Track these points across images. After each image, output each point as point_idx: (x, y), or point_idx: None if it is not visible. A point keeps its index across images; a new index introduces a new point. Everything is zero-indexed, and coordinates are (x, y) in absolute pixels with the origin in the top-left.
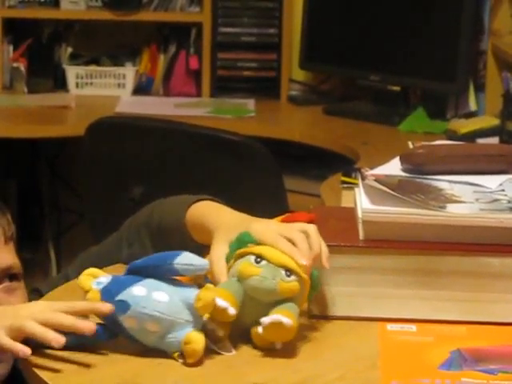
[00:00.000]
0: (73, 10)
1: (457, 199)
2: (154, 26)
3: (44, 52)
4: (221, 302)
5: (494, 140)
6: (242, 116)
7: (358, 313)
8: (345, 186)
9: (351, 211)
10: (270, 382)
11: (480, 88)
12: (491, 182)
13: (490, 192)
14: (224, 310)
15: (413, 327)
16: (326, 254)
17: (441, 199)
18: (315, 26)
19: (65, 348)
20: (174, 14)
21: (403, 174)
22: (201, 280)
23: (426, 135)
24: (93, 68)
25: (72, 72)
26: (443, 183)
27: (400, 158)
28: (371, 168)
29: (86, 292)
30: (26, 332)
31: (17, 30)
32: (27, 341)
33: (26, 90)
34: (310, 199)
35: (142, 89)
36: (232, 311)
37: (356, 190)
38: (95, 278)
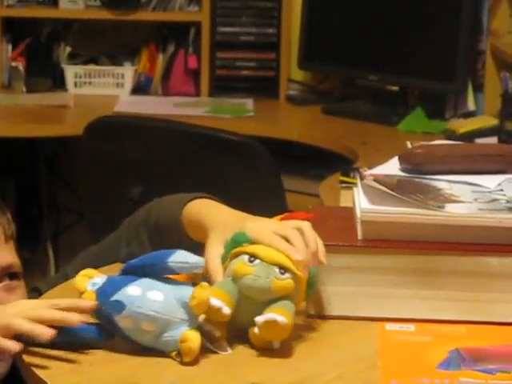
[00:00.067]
0: (71, 10)
1: (455, 199)
2: (152, 26)
3: (43, 51)
4: (215, 302)
5: (493, 140)
6: (240, 116)
7: (357, 312)
8: (343, 185)
9: (350, 211)
10: (267, 381)
11: (479, 88)
12: (490, 181)
13: (489, 192)
14: (218, 310)
15: (411, 327)
16: (322, 250)
17: (439, 199)
18: (314, 26)
19: (63, 347)
20: (172, 13)
21: (402, 173)
22: (199, 279)
23: (424, 135)
24: (91, 67)
25: (71, 71)
26: (442, 183)
27: (399, 158)
28: (370, 168)
29: (82, 293)
30: (13, 329)
31: (15, 29)
32: (23, 340)
33: (24, 89)
34: (308, 199)
35: (140, 88)
36: (226, 311)
37: (355, 189)
38: (90, 279)
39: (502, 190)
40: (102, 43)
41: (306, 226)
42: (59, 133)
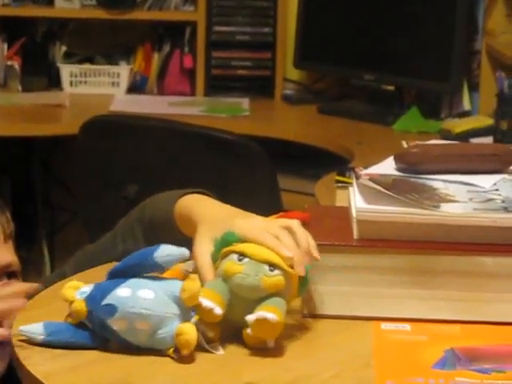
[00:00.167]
0: (67, 9)
1: (451, 198)
2: (148, 25)
3: (38, 50)
4: (206, 303)
5: (488, 139)
6: (236, 115)
7: (352, 312)
8: (339, 185)
9: (345, 210)
10: (262, 380)
11: (474, 88)
12: (485, 181)
13: (484, 191)
14: (210, 311)
15: (407, 326)
16: (314, 247)
17: (435, 198)
18: (310, 25)
19: (59, 346)
20: (168, 12)
21: (397, 173)
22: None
23: (420, 135)
24: (87, 66)
25: (66, 70)
26: (437, 182)
27: (394, 158)
28: (365, 167)
29: (71, 303)
30: None
31: (11, 28)
32: None
33: (20, 88)
34: (304, 198)
35: (136, 87)
36: (218, 311)
37: (350, 189)
38: (77, 289)
39: (497, 190)
40: (98, 42)
41: (296, 224)
42: (55, 132)
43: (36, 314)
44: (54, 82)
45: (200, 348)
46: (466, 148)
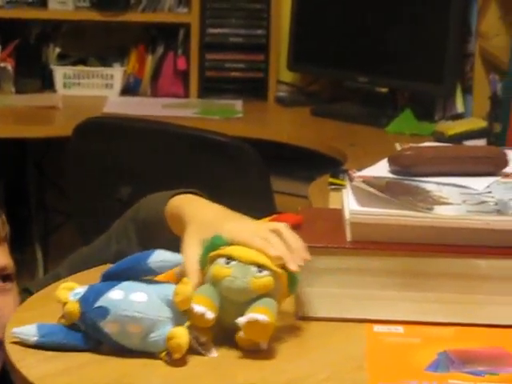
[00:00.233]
0: (61, 11)
1: (444, 201)
2: (141, 27)
3: (32, 52)
4: (198, 308)
5: (482, 142)
6: (229, 117)
7: (345, 314)
8: (332, 187)
9: (339, 212)
10: (256, 383)
11: (467, 90)
12: (478, 183)
13: (477, 194)
14: (202, 315)
15: (400, 329)
16: (303, 247)
17: (428, 201)
18: (303, 28)
19: (52, 348)
20: (162, 14)
21: (391, 175)
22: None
23: (413, 137)
24: (80, 68)
25: (60, 72)
26: (431, 185)
27: (388, 160)
28: (359, 169)
29: (64, 304)
30: None
31: (4, 30)
32: None
33: (13, 90)
34: (297, 200)
35: (129, 89)
36: (210, 315)
37: (344, 191)
38: (71, 291)
39: (490, 192)
40: (91, 44)
41: (284, 226)
42: (48, 134)
43: (29, 315)
44: (48, 84)
45: (193, 351)
46: (459, 150)
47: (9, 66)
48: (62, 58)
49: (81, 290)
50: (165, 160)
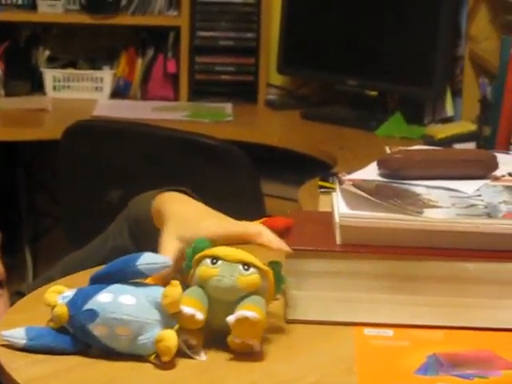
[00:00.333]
0: (50, 13)
1: (434, 204)
2: (131, 30)
3: (21, 55)
4: (187, 310)
5: (471, 145)
6: (219, 120)
7: (335, 317)
8: (322, 190)
9: (328, 216)
10: None
11: (457, 93)
12: (468, 187)
13: (467, 197)
14: (191, 317)
15: (389, 332)
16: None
17: (418, 204)
18: (293, 31)
19: (41, 351)
20: (151, 17)
21: (380, 178)
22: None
23: (403, 140)
24: (70, 71)
25: (49, 75)
26: (420, 188)
27: (377, 163)
28: (348, 173)
29: (53, 307)
30: None
31: None
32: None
33: (3, 92)
34: (287, 204)
35: (119, 92)
36: (200, 316)
37: (333, 194)
38: (60, 294)
39: (479, 196)
40: (81, 47)
41: (262, 226)
42: (37, 137)
43: (19, 318)
44: (37, 87)
45: (182, 354)
46: (449, 154)
47: None
48: (52, 61)
49: (69, 293)
50: (154, 163)
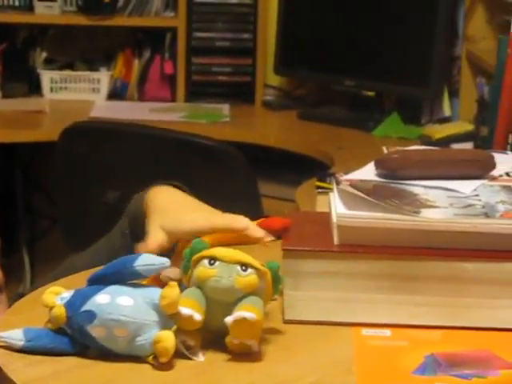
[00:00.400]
0: (47, 15)
1: (431, 204)
2: (128, 31)
3: (18, 56)
4: (185, 310)
5: (468, 145)
6: (216, 121)
7: (333, 318)
8: (319, 190)
9: (326, 216)
10: None
11: (454, 93)
12: (465, 187)
13: (465, 197)
14: (189, 318)
15: (387, 332)
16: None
17: (415, 204)
18: (290, 32)
19: (38, 352)
20: (148, 18)
21: (378, 178)
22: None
23: (400, 140)
24: (67, 73)
25: (46, 76)
26: (418, 188)
27: (375, 163)
28: (346, 173)
29: (51, 308)
30: None
31: None
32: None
33: (0, 94)
34: (284, 204)
35: (116, 93)
36: (198, 317)
37: (331, 194)
38: (58, 295)
39: (477, 196)
40: (78, 48)
41: (246, 220)
42: (35, 138)
43: (17, 319)
44: (35, 88)
45: (180, 355)
46: (446, 154)
47: None
48: (49, 63)
49: (67, 294)
50: (152, 164)
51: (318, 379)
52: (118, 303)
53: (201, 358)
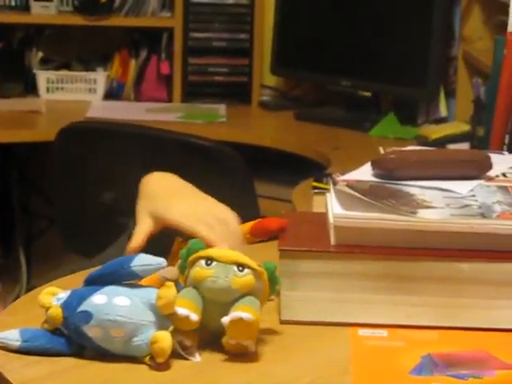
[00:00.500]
0: (44, 15)
1: (428, 204)
2: (125, 31)
3: (15, 56)
4: (181, 311)
5: (465, 146)
6: (213, 121)
7: (330, 318)
8: (316, 191)
9: (323, 216)
10: None
11: (451, 94)
12: (462, 187)
13: (461, 197)
14: (186, 318)
15: (384, 332)
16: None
17: (412, 204)
18: (286, 32)
19: (35, 353)
20: (145, 19)
21: (374, 179)
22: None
23: (396, 141)
24: (63, 73)
25: (43, 77)
26: (414, 188)
27: (371, 164)
28: (342, 173)
29: (47, 309)
30: None
31: None
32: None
33: None
34: (281, 204)
35: (113, 94)
36: (194, 317)
37: (327, 195)
38: (54, 295)
39: (473, 196)
40: (74, 48)
41: (232, 216)
42: (31, 138)
43: (13, 320)
44: (31, 89)
45: (177, 355)
46: (442, 154)
47: None
48: (45, 63)
49: (64, 294)
50: (148, 164)
51: (315, 379)
52: (114, 303)
53: (197, 358)
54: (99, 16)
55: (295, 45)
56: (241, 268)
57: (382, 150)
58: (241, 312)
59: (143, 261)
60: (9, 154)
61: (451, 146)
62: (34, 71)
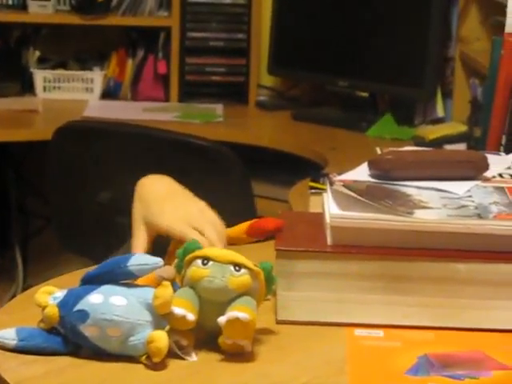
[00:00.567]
0: (41, 14)
1: (424, 205)
2: (122, 30)
3: (12, 56)
4: (178, 310)
5: (462, 146)
6: (210, 121)
7: (326, 318)
8: (313, 191)
9: (319, 216)
10: None
11: (448, 94)
12: (459, 187)
13: (458, 198)
14: (182, 318)
15: (380, 333)
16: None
17: (409, 205)
18: (284, 32)
19: (31, 352)
20: (142, 18)
21: (371, 179)
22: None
23: (393, 141)
24: (60, 72)
25: (40, 76)
26: (411, 189)
27: (368, 164)
28: (339, 173)
29: (44, 308)
30: None
31: None
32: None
33: None
34: (278, 204)
35: (109, 93)
36: (191, 317)
37: (324, 195)
38: (51, 294)
39: (470, 197)
40: (71, 48)
41: (219, 224)
42: (28, 137)
43: (10, 319)
44: (28, 88)
45: (173, 355)
46: (439, 155)
47: None
48: (42, 62)
49: (60, 293)
50: (144, 164)
51: (311, 379)
52: (111, 303)
53: (194, 358)
54: (96, 15)
55: (292, 45)
56: (237, 268)
57: (378, 151)
58: (237, 312)
59: (140, 260)
60: (5, 153)
61: (448, 147)
62: (31, 70)
